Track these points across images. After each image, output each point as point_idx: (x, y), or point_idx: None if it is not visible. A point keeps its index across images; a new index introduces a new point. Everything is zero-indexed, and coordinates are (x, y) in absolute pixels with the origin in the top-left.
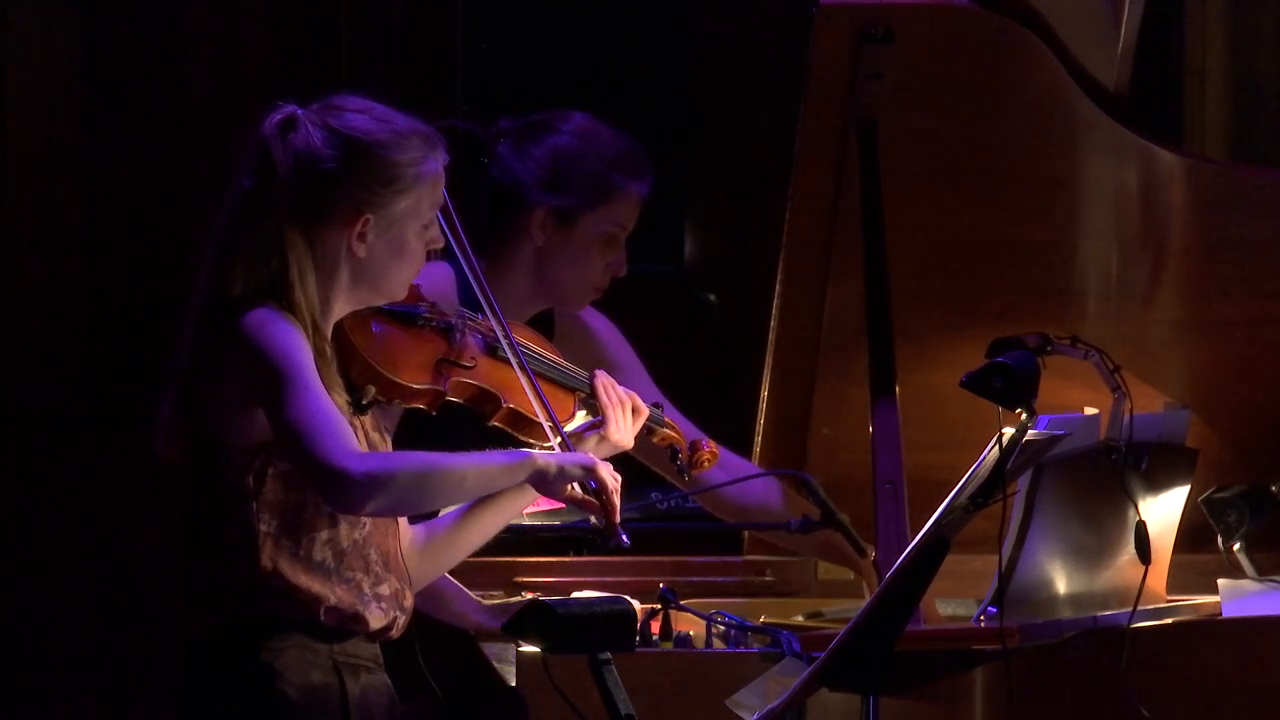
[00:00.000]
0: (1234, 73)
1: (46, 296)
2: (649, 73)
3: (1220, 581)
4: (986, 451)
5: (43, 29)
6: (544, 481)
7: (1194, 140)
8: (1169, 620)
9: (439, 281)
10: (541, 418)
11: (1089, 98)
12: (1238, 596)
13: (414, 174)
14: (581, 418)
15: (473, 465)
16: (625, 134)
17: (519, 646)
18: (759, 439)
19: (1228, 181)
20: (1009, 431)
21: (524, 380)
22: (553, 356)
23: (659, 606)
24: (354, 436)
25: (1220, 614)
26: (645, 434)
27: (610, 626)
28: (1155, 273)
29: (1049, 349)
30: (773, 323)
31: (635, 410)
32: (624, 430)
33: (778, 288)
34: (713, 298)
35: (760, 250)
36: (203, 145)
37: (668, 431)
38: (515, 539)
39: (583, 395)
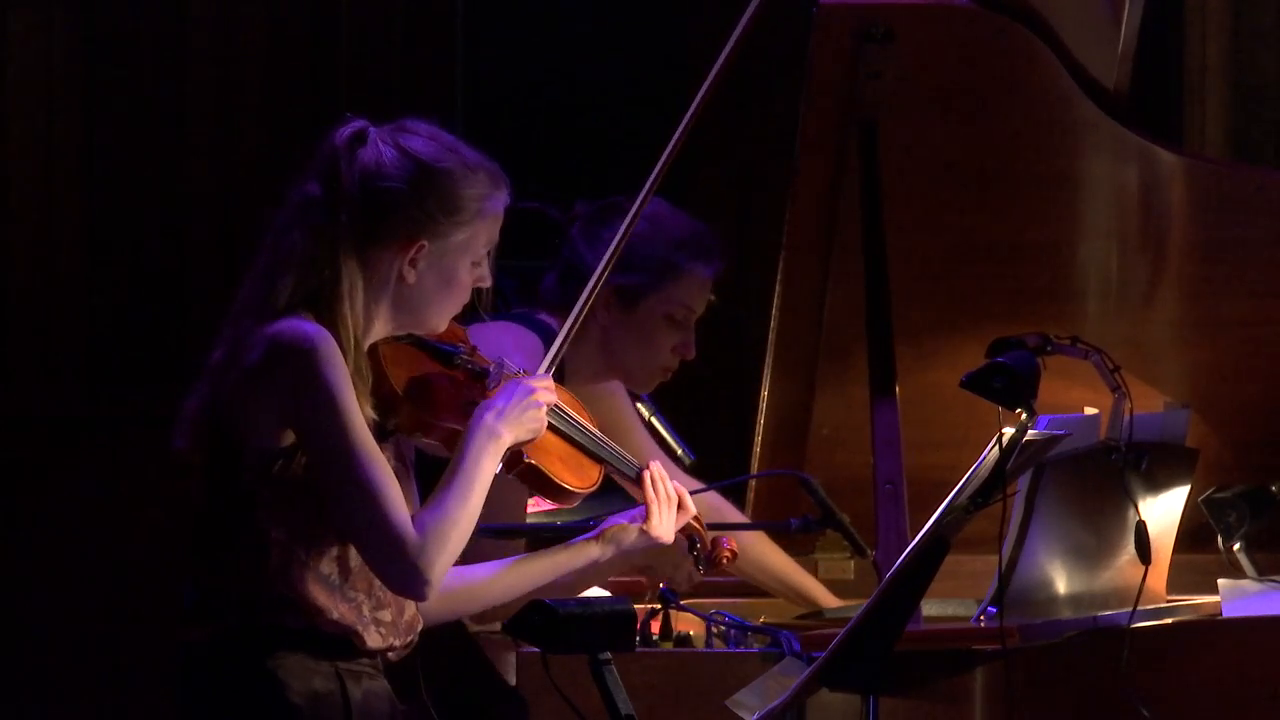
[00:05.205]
0: (1234, 72)
1: (46, 296)
2: (649, 72)
3: (1220, 581)
4: (986, 451)
5: (43, 29)
6: None
7: (1194, 140)
8: (1169, 620)
9: (528, 345)
10: (562, 481)
11: (1089, 98)
12: (1238, 596)
13: (476, 208)
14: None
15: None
16: (695, 219)
17: (519, 646)
18: (759, 439)
19: (1228, 181)
20: (1009, 431)
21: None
22: (598, 433)
23: (659, 606)
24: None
25: (1220, 614)
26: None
27: (610, 626)
28: (1155, 273)
29: (1049, 349)
30: (773, 323)
31: (681, 507)
32: (666, 527)
33: (778, 288)
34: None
35: (760, 250)
36: (203, 145)
37: (693, 523)
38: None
39: (615, 472)
